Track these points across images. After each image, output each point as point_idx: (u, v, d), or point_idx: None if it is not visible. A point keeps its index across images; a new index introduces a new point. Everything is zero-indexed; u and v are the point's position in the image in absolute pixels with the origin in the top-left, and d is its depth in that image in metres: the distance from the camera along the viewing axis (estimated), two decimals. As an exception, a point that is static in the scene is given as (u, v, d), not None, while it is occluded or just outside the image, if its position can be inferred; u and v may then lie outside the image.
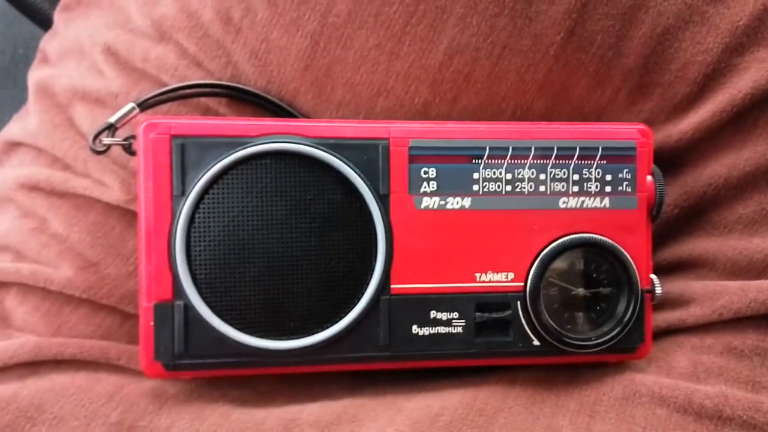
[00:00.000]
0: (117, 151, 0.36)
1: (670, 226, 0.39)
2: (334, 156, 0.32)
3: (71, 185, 0.38)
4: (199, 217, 0.32)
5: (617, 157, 0.35)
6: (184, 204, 0.32)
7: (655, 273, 0.36)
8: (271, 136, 0.32)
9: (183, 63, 0.38)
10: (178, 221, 0.32)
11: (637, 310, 0.34)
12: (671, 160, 0.39)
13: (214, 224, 0.32)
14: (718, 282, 0.37)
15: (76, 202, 0.38)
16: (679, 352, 0.37)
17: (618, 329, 0.34)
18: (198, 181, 0.32)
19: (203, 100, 0.38)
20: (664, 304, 0.38)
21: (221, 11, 0.38)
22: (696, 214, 0.39)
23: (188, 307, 0.32)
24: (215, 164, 0.32)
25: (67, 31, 0.45)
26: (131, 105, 0.36)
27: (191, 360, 0.32)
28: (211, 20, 0.38)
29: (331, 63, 0.37)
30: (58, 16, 0.46)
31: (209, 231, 0.32)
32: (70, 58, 0.43)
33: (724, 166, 0.38)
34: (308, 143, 0.32)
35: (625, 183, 0.35)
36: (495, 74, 0.37)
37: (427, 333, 0.33)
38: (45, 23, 0.52)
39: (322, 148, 0.32)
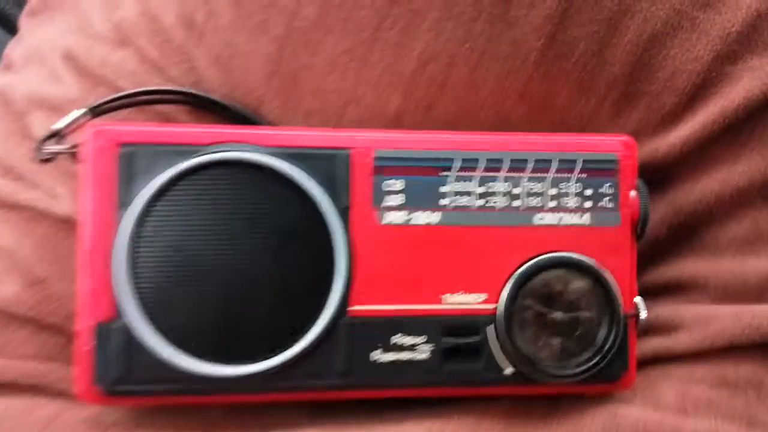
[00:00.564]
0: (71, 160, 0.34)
1: (658, 245, 0.37)
2: (292, 166, 0.30)
3: (22, 197, 0.36)
4: (145, 231, 0.29)
5: (598, 170, 0.32)
6: (128, 216, 0.29)
7: (641, 296, 0.34)
8: (225, 144, 0.30)
9: (143, 68, 0.37)
10: (121, 234, 0.29)
11: (619, 336, 0.32)
12: (659, 175, 0.36)
13: (161, 238, 0.29)
14: (711, 306, 0.35)
15: (26, 214, 0.36)
16: (666, 382, 0.34)
17: (598, 357, 0.32)
18: (144, 191, 0.29)
19: (163, 107, 0.36)
20: (651, 330, 0.36)
21: (184, 14, 0.36)
22: (686, 233, 0.36)
23: (130, 328, 0.29)
24: (163, 174, 0.29)
25: (31, 36, 0.43)
26: (81, 111, 0.34)
27: (133, 386, 0.29)
28: (173, 24, 0.36)
29: (299, 69, 0.35)
30: (23, 21, 0.44)
31: (155, 246, 0.29)
32: (32, 64, 0.41)
33: (716, 182, 0.35)
34: (264, 152, 0.30)
35: (606, 198, 0.32)
36: (472, 82, 0.35)
37: (389, 359, 0.31)
38: (13, 29, 0.50)
39: (278, 157, 0.30)
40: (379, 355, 0.31)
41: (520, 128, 0.36)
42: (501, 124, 0.36)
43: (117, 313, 0.29)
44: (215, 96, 0.35)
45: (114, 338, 0.29)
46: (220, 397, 0.30)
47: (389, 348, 0.31)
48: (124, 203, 0.29)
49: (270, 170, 0.30)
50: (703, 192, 0.35)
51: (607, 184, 0.32)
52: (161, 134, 0.30)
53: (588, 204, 0.32)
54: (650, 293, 0.36)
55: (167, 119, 0.37)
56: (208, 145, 0.30)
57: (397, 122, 0.36)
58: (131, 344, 0.29)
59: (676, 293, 0.36)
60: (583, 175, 0.32)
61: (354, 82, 0.35)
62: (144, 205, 0.29)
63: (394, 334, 0.31)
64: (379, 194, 0.31)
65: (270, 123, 0.36)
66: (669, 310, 0.36)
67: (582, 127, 0.36)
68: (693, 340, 0.34)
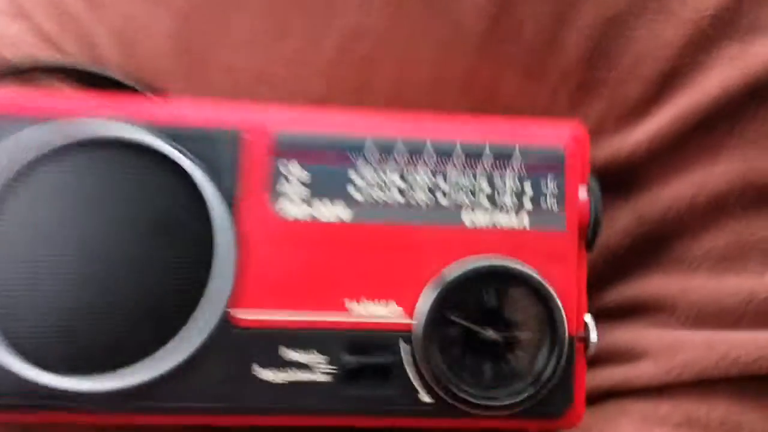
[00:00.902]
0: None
1: (619, 259, 0.31)
2: (169, 145, 0.25)
3: None
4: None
5: (539, 164, 0.27)
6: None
7: (600, 317, 0.28)
8: (92, 118, 0.26)
9: (39, 42, 0.33)
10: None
11: (561, 362, 0.26)
12: (623, 178, 0.31)
13: (7, 228, 0.25)
14: (679, 332, 0.29)
15: None
16: (624, 420, 0.28)
17: (536, 387, 0.26)
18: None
19: (51, 82, 0.32)
20: (607, 358, 0.30)
21: None
22: (652, 246, 0.31)
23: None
24: (8, 158, 0.25)
25: None
26: (-44, 82, 0.30)
27: (-26, 398, 0.25)
28: None
29: (208, 46, 0.31)
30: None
31: (11, 235, 0.25)
32: None
33: (689, 186, 0.30)
34: (138, 128, 0.26)
35: (549, 197, 0.27)
36: (404, 68, 0.31)
37: (279, 380, 0.26)
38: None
39: (154, 134, 0.26)
40: (267, 374, 0.26)
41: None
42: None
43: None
44: (110, 73, 0.31)
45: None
46: (71, 416, 0.25)
47: (280, 365, 0.26)
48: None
49: (143, 149, 0.26)
50: (673, 198, 0.30)
51: (550, 181, 0.27)
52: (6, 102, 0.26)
53: (527, 204, 0.27)
54: (609, 315, 0.31)
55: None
56: (73, 118, 0.26)
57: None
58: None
59: (640, 315, 0.31)
60: (522, 169, 0.27)
61: (265, 59, 0.31)
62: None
63: (286, 349, 0.26)
64: (278, 183, 0.26)
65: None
66: (630, 335, 0.30)
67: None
68: (657, 371, 0.29)
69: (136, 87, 0.31)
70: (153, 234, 0.25)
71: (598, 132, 0.31)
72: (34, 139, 0.25)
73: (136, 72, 0.32)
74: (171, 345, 0.25)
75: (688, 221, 0.30)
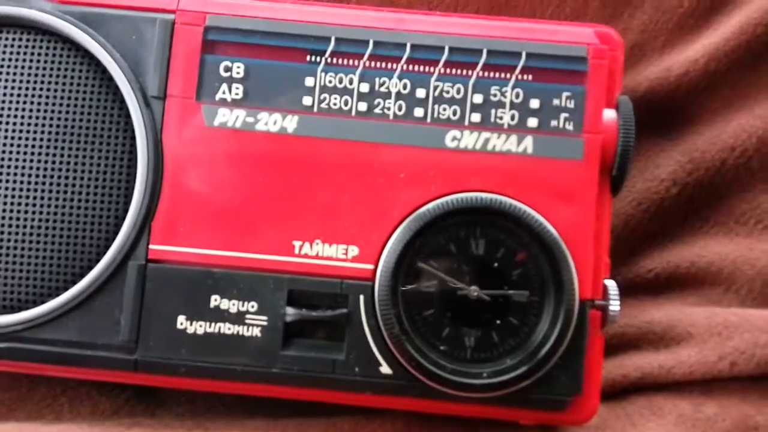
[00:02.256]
0: None
1: (662, 214, 0.24)
2: (84, 31, 0.21)
3: None
4: None
5: (553, 71, 0.21)
6: None
7: (632, 289, 0.22)
8: (-4, -5, 0.21)
9: None
10: None
11: (568, 335, 0.20)
12: (670, 110, 0.25)
13: None
14: (734, 310, 0.22)
15: None
16: (654, 423, 0.22)
17: (531, 364, 0.20)
18: None
19: None
20: (641, 340, 0.23)
21: None
22: (707, 199, 0.24)
23: None
24: None
25: None
26: None
27: None
28: None
29: None
30: None
31: None
32: None
33: (758, 118, 0.23)
34: (47, 9, 0.21)
35: (563, 116, 0.21)
36: None
37: (201, 331, 0.20)
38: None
39: (68, 18, 0.21)
40: (187, 324, 0.20)
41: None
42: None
43: None
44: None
45: None
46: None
47: (204, 314, 0.20)
48: None
49: (55, 35, 0.21)
50: (738, 134, 0.23)
51: (566, 94, 0.21)
52: None
53: (532, 122, 0.21)
54: (645, 287, 0.24)
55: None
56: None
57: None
58: None
59: (684, 288, 0.24)
60: (528, 77, 0.21)
61: None
62: None
63: (212, 294, 0.20)
64: (210, 82, 0.21)
65: None
66: (670, 312, 0.23)
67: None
68: (703, 359, 0.22)
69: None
70: (64, 138, 0.21)
71: (638, 50, 0.24)
72: None
73: None
74: (72, 278, 0.20)
75: (757, 165, 0.23)
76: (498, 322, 0.20)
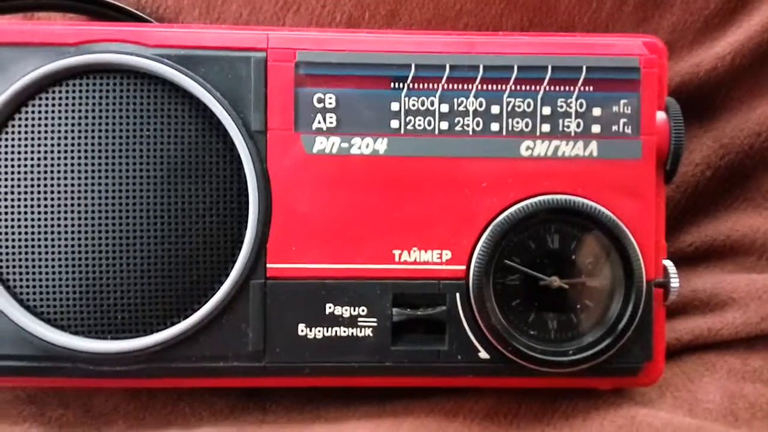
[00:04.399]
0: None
1: (699, 195, 0.27)
2: (183, 73, 0.22)
3: None
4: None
5: (611, 81, 0.23)
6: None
7: (677, 261, 0.25)
8: (96, 44, 0.23)
9: None
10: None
11: (639, 312, 0.23)
12: (701, 101, 0.27)
13: (15, 172, 0.22)
14: (770, 276, 0.26)
15: None
16: (709, 378, 0.25)
17: (609, 340, 0.23)
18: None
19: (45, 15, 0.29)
20: (689, 306, 0.27)
21: None
22: (739, 178, 0.27)
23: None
24: (12, 85, 0.22)
25: None
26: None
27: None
28: None
29: None
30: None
31: (6, 182, 0.22)
32: None
33: (780, 107, 0.26)
34: (147, 54, 0.23)
35: (622, 121, 0.23)
36: None
37: (320, 336, 0.23)
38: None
39: (166, 61, 0.23)
40: (307, 330, 0.23)
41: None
42: (489, 37, 0.28)
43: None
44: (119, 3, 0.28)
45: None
46: (94, 380, 0.23)
47: (320, 321, 0.23)
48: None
49: (155, 78, 0.22)
50: (763, 122, 0.26)
51: (623, 102, 0.23)
52: (10, 32, 0.23)
53: (596, 128, 0.23)
54: (688, 258, 0.27)
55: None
56: (75, 45, 0.23)
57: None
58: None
59: (724, 258, 0.27)
60: (589, 89, 0.23)
61: None
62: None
63: (326, 303, 0.23)
64: (306, 113, 0.23)
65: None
66: (713, 280, 0.26)
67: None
68: (747, 320, 0.25)
69: (148, 18, 0.28)
70: (175, 175, 0.22)
71: (672, 47, 0.27)
72: (35, 67, 0.22)
73: (152, 6, 0.29)
74: (200, 301, 0.22)
75: (781, 147, 0.26)
76: (577, 306, 0.24)
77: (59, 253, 0.22)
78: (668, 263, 0.24)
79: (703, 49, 0.27)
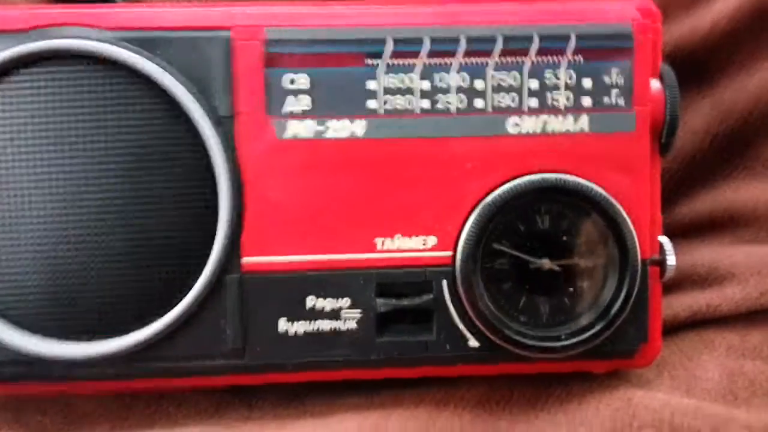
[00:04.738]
0: None
1: (697, 164, 0.26)
2: (143, 57, 0.21)
3: None
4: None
5: (601, 49, 0.22)
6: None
7: (674, 234, 0.24)
8: (52, 29, 0.21)
9: None
10: None
11: (633, 291, 0.22)
12: (698, 66, 0.26)
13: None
14: (770, 249, 0.25)
15: None
16: (707, 356, 0.24)
17: (603, 323, 0.22)
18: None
19: None
20: (686, 281, 0.26)
21: None
22: (738, 146, 0.26)
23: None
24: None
25: None
26: None
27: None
28: None
29: None
30: None
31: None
32: None
33: (780, 70, 0.25)
34: (107, 38, 0.21)
35: (614, 92, 0.22)
36: None
37: (302, 330, 0.22)
38: None
39: (125, 44, 0.21)
40: (288, 325, 0.22)
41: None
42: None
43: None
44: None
45: None
46: (68, 384, 0.22)
47: (302, 314, 0.22)
48: None
49: (115, 64, 0.21)
50: (763, 85, 0.25)
51: (615, 71, 0.22)
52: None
53: (586, 101, 0.22)
54: (684, 232, 0.26)
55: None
56: (29, 30, 0.21)
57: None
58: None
59: (722, 230, 0.26)
60: (579, 58, 0.22)
61: None
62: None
63: (307, 296, 0.22)
64: (277, 96, 0.21)
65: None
66: (711, 254, 0.25)
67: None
68: (746, 294, 0.24)
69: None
70: (141, 167, 0.21)
71: (667, 9, 0.25)
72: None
73: None
74: (174, 298, 0.21)
75: (782, 113, 0.25)
76: (570, 288, 0.23)
77: (23, 252, 0.21)
78: (664, 239, 0.23)
79: (699, 11, 0.25)
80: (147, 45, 0.21)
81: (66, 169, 0.21)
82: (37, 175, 0.21)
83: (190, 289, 0.21)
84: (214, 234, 0.21)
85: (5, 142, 0.21)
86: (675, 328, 0.25)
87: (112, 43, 0.21)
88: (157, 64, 0.21)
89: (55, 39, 0.21)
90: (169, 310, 0.21)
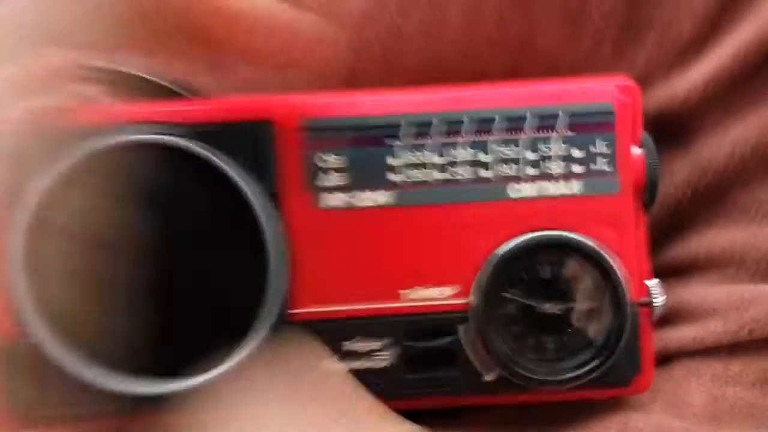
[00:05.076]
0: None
1: (681, 213, 0.30)
2: (199, 146, 0.25)
3: None
4: (43, 230, 0.25)
5: (588, 124, 0.25)
6: (22, 213, 0.25)
7: (664, 276, 0.27)
8: (128, 125, 0.26)
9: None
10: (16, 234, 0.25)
11: (625, 330, 0.25)
12: (679, 126, 0.29)
13: (63, 237, 0.25)
14: (749, 287, 0.28)
15: None
16: (695, 383, 0.27)
17: (600, 358, 0.25)
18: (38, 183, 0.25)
19: (79, 88, 0.32)
20: (676, 317, 0.29)
21: None
22: (716, 196, 0.29)
23: (36, 346, 0.25)
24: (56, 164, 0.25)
25: None
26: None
27: (49, 410, 0.26)
28: None
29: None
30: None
31: (57, 248, 0.25)
32: None
33: (753, 128, 0.28)
34: (179, 132, 0.25)
35: (600, 159, 0.26)
36: (432, 26, 0.29)
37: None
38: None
39: (190, 136, 0.25)
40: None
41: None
42: (477, 77, 0.30)
43: (19, 329, 0.25)
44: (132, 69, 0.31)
45: (17, 358, 0.26)
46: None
47: (342, 356, 0.26)
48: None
49: (181, 152, 0.25)
50: (736, 143, 0.28)
51: (601, 142, 0.26)
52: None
53: (578, 168, 0.26)
54: (674, 272, 0.29)
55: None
56: (107, 127, 0.25)
57: (353, 84, 0.30)
58: (40, 363, 0.26)
59: (705, 271, 0.29)
60: (569, 132, 0.25)
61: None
62: (40, 199, 0.25)
63: (346, 340, 0.26)
64: (313, 173, 0.26)
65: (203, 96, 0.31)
66: (698, 292, 0.29)
67: (576, 75, 0.29)
68: (727, 328, 0.27)
69: (177, 90, 0.30)
70: (203, 238, 0.25)
71: (647, 79, 0.29)
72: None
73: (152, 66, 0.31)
74: (236, 348, 0.25)
75: (753, 167, 0.28)
76: (570, 328, 0.26)
77: (110, 308, 0.25)
78: (652, 283, 0.26)
79: (677, 79, 0.29)
80: (204, 135, 0.25)
81: (140, 238, 0.25)
82: (114, 243, 0.25)
83: (246, 343, 0.25)
84: (266, 293, 0.25)
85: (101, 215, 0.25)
86: (666, 358, 0.28)
87: (182, 137, 0.25)
88: (208, 151, 0.25)
89: (135, 134, 0.25)
90: (229, 359, 0.25)
